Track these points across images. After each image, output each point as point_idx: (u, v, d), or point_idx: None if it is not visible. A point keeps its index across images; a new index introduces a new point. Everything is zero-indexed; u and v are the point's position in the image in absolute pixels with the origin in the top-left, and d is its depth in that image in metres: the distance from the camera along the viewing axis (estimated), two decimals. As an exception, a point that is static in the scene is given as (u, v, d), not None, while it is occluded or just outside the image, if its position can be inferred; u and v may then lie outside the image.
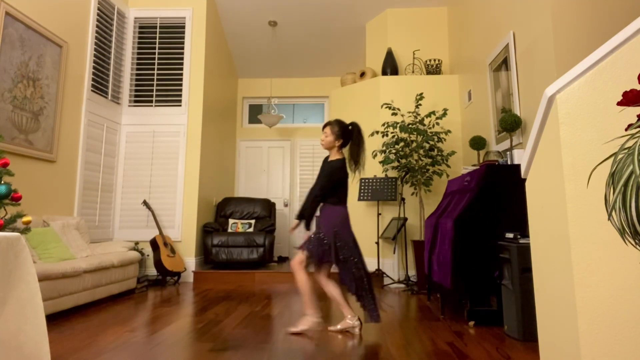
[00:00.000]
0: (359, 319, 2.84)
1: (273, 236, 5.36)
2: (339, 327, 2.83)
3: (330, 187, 2.87)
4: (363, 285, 2.81)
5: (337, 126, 2.96)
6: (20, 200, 3.49)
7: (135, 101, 5.38)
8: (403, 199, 4.76)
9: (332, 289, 2.88)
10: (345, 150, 3.03)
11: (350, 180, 3.02)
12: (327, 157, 3.03)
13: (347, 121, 5.65)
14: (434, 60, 5.47)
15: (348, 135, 2.97)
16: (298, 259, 2.83)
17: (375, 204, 5.19)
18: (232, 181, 7.09)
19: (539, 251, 1.66)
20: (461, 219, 2.98)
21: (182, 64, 5.41)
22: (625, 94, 0.92)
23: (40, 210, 3.92)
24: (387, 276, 4.77)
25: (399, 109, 4.92)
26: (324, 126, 3.01)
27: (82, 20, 4.57)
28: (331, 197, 2.88)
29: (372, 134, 4.80)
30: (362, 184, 5.01)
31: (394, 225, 4.82)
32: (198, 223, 5.24)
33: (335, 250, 2.79)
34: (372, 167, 5.25)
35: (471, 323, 2.93)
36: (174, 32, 5.48)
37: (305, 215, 2.89)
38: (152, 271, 4.99)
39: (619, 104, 0.94)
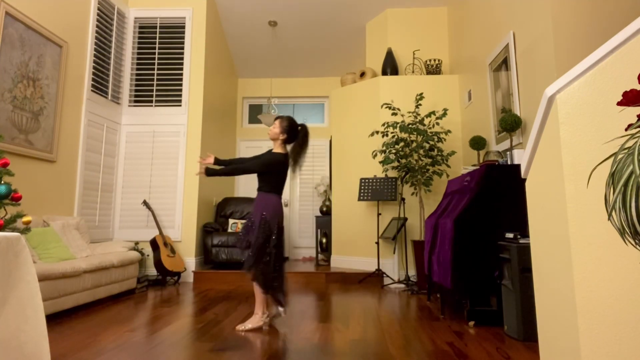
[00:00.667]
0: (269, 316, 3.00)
1: (273, 236, 5.35)
2: (249, 326, 2.87)
3: (264, 172, 3.00)
4: (272, 281, 2.91)
5: (286, 121, 3.09)
6: (20, 200, 3.49)
7: (135, 101, 5.38)
8: (403, 199, 4.76)
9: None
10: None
11: (289, 179, 3.24)
12: (270, 149, 3.18)
13: (347, 121, 5.68)
14: (434, 60, 5.47)
15: (293, 133, 3.10)
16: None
17: (375, 204, 5.19)
18: (232, 181, 7.09)
19: (539, 251, 1.66)
20: (461, 219, 2.98)
21: (182, 64, 5.41)
22: (625, 94, 0.92)
23: (40, 210, 3.92)
24: (387, 276, 4.77)
25: (399, 109, 4.92)
26: (276, 119, 3.14)
27: (82, 20, 4.57)
28: (266, 185, 3.01)
29: (372, 134, 4.80)
30: (362, 184, 5.01)
31: (394, 225, 4.82)
32: (198, 223, 5.24)
33: (255, 232, 2.88)
34: (372, 167, 5.25)
35: (471, 323, 2.93)
36: (174, 32, 5.48)
37: (220, 169, 2.96)
38: (152, 271, 4.99)
39: (619, 104, 0.94)
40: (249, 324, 2.86)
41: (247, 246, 2.91)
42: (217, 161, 3.09)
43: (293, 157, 3.08)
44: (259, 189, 3.03)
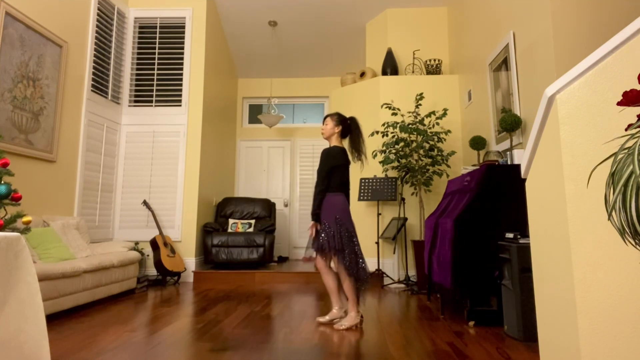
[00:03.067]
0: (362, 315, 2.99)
1: (273, 236, 5.36)
2: (327, 318, 3.01)
3: (326, 171, 2.96)
4: (363, 273, 2.97)
5: (336, 115, 3.15)
6: (20, 200, 3.49)
7: (135, 101, 5.38)
8: (403, 199, 4.76)
9: (331, 279, 3.02)
10: (346, 143, 3.20)
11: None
12: (325, 149, 3.13)
13: (347, 121, 5.67)
14: (434, 60, 5.47)
15: (345, 124, 3.15)
16: (319, 261, 3.00)
17: (375, 204, 5.19)
18: (232, 181, 7.09)
19: (539, 251, 1.66)
20: (461, 219, 2.98)
21: (182, 64, 5.41)
22: (625, 94, 0.92)
23: (40, 210, 3.92)
24: (387, 276, 4.77)
25: (399, 109, 4.92)
26: (325, 118, 3.17)
27: (82, 20, 4.57)
28: (330, 186, 2.98)
29: (372, 134, 4.80)
30: (362, 184, 5.01)
31: (394, 225, 4.82)
32: (198, 223, 5.24)
33: (339, 239, 2.90)
34: (372, 167, 5.25)
35: (471, 323, 2.93)
36: (174, 32, 5.48)
37: (315, 212, 2.98)
38: (152, 271, 4.99)
39: (619, 104, 0.94)
40: (346, 323, 2.86)
41: (333, 249, 2.91)
42: (313, 213, 3.03)
43: (355, 148, 3.14)
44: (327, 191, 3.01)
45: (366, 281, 2.99)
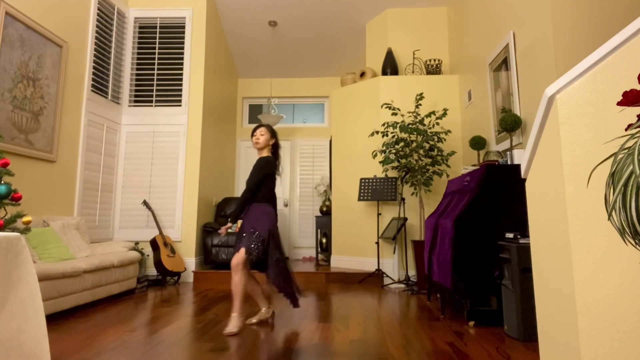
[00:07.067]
0: (273, 311, 3.17)
1: (273, 236, 5.35)
2: (254, 320, 3.04)
3: (261, 177, 3.04)
4: (288, 279, 3.04)
5: (270, 128, 3.21)
6: (20, 200, 3.49)
7: (135, 101, 5.38)
8: (403, 199, 4.76)
9: (253, 285, 3.05)
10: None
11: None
12: (262, 157, 3.19)
13: (347, 121, 5.68)
14: (434, 60, 5.47)
15: (277, 139, 3.24)
16: (240, 259, 2.88)
17: (375, 204, 5.19)
18: (232, 181, 7.09)
19: (539, 251, 1.66)
20: (461, 219, 2.98)
21: (182, 64, 5.41)
22: (625, 94, 0.92)
23: (40, 210, 3.92)
24: (387, 276, 4.77)
25: (399, 109, 4.92)
26: (257, 128, 3.18)
27: (82, 20, 4.57)
28: (258, 195, 3.07)
29: (372, 134, 4.79)
30: (362, 184, 5.01)
31: (394, 225, 4.82)
32: (198, 223, 5.24)
33: (272, 250, 2.98)
34: (372, 167, 5.25)
35: (471, 323, 2.93)
36: (174, 32, 5.48)
37: (236, 215, 3.08)
38: (152, 271, 4.99)
39: (619, 104, 0.94)
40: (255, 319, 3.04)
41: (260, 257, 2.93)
42: (235, 214, 3.12)
43: (278, 162, 3.24)
44: (255, 200, 3.07)
45: (289, 292, 3.05)
